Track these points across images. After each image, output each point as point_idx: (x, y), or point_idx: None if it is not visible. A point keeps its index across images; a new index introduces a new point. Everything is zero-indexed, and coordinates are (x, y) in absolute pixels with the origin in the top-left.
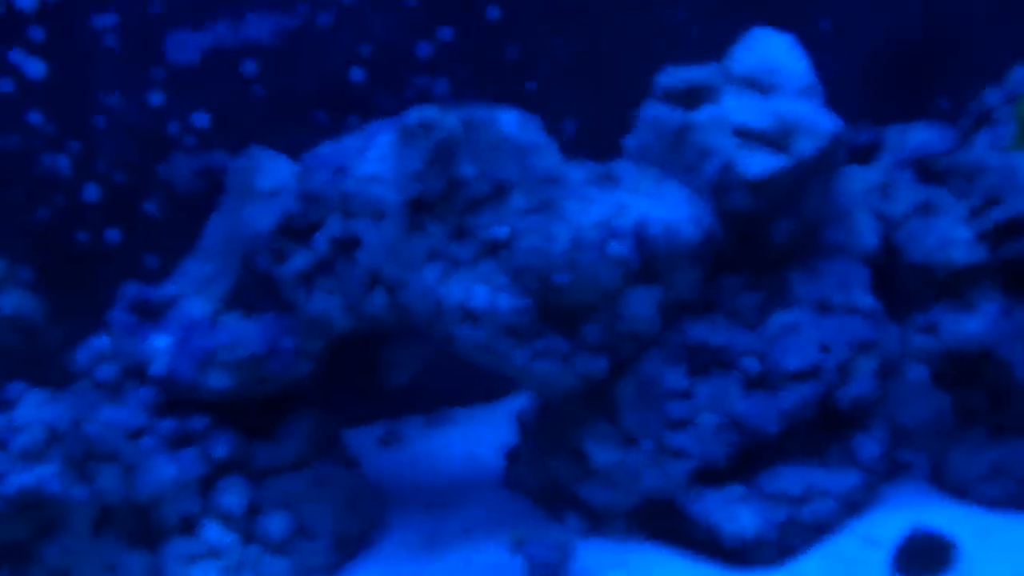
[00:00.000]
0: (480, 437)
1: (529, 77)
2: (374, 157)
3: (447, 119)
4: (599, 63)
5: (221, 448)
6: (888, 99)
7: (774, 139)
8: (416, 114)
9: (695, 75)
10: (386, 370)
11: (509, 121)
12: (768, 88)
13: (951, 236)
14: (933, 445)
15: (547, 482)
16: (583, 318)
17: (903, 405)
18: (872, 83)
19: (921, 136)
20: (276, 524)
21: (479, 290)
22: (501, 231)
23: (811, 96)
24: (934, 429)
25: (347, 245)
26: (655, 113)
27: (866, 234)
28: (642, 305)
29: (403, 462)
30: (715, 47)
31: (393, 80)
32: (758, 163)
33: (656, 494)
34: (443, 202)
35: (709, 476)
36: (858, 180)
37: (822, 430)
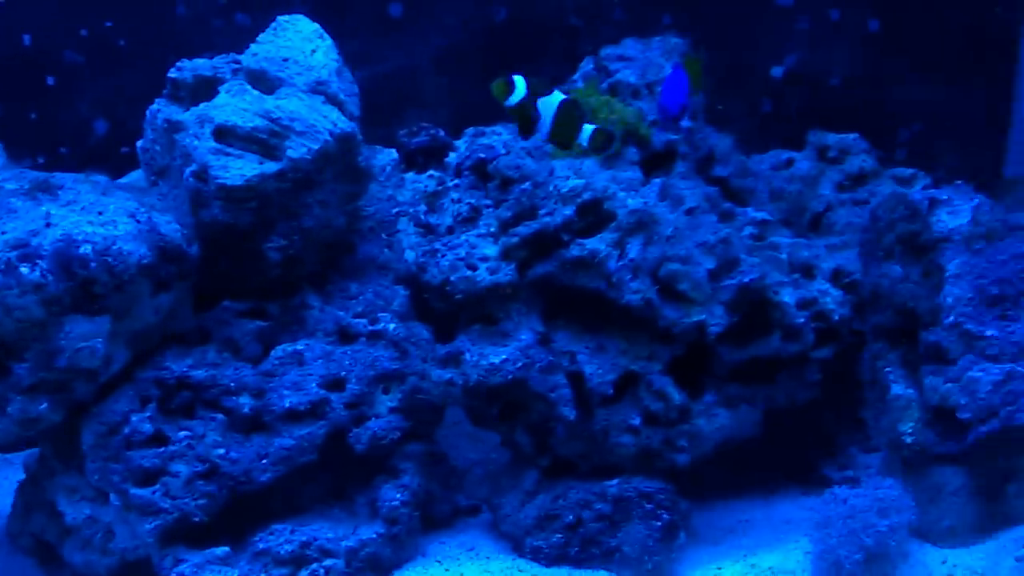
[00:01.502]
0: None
1: (48, 71)
2: None
3: None
4: (136, 54)
5: None
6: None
7: (262, 142)
8: None
9: (204, 68)
10: None
11: None
12: (275, 83)
13: (474, 252)
14: (485, 490)
15: (36, 540)
16: (11, 355)
17: (454, 444)
18: (457, 77)
19: (493, 139)
20: None
21: None
22: None
23: (326, 92)
24: (487, 472)
25: None
26: (154, 110)
27: (407, 251)
28: (82, 336)
29: None
30: None
31: None
32: (236, 169)
33: (132, 555)
34: None
35: (192, 533)
36: (408, 189)
37: (342, 476)
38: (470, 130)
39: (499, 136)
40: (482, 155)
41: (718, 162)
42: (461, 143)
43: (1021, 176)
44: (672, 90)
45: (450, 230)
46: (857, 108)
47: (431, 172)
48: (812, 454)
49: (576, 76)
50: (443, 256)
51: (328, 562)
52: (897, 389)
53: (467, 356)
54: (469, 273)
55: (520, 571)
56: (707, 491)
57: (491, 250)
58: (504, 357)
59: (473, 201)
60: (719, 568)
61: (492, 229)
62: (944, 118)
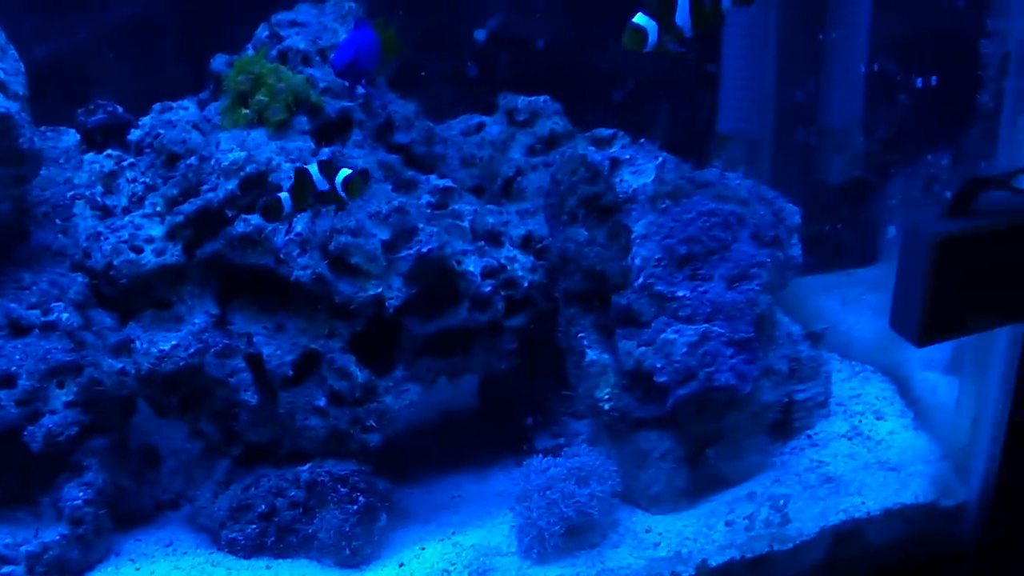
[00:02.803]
0: None
1: None
2: None
3: None
4: None
5: None
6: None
7: None
8: None
9: None
10: None
11: None
12: None
13: (139, 234)
14: (181, 483)
15: None
16: None
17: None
18: (149, 49)
19: (180, 114)
20: None
21: None
22: None
23: None
24: (180, 463)
25: None
26: None
27: (83, 237)
28: None
29: None
30: None
31: None
32: None
33: None
34: None
35: None
36: (86, 170)
37: (25, 478)
38: (157, 105)
39: (186, 111)
40: (162, 131)
41: (398, 129)
42: (147, 119)
43: (733, 132)
44: (343, 48)
45: (126, 211)
46: (567, 70)
47: (109, 151)
48: (528, 424)
49: (250, 44)
50: (106, 239)
51: (6, 569)
52: (592, 355)
53: (137, 344)
54: (133, 256)
55: (214, 565)
56: (424, 467)
57: (157, 231)
58: (175, 343)
59: (149, 180)
60: (423, 548)
61: (159, 208)
62: (655, 78)
